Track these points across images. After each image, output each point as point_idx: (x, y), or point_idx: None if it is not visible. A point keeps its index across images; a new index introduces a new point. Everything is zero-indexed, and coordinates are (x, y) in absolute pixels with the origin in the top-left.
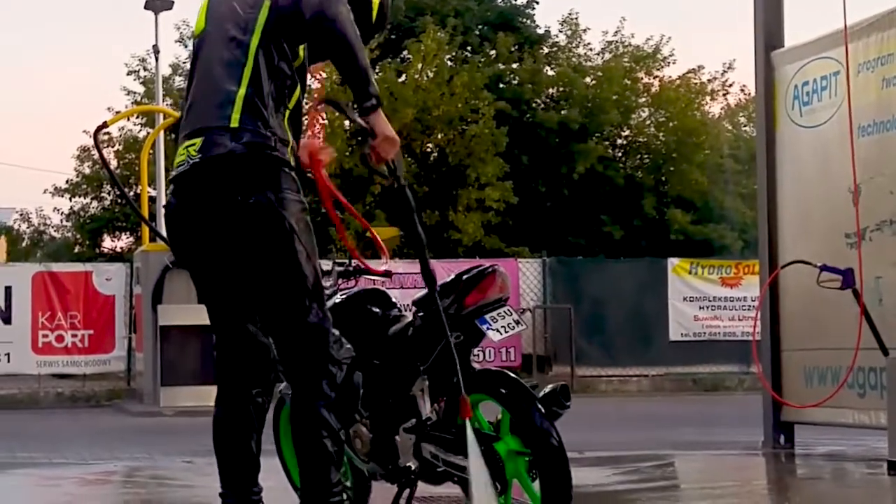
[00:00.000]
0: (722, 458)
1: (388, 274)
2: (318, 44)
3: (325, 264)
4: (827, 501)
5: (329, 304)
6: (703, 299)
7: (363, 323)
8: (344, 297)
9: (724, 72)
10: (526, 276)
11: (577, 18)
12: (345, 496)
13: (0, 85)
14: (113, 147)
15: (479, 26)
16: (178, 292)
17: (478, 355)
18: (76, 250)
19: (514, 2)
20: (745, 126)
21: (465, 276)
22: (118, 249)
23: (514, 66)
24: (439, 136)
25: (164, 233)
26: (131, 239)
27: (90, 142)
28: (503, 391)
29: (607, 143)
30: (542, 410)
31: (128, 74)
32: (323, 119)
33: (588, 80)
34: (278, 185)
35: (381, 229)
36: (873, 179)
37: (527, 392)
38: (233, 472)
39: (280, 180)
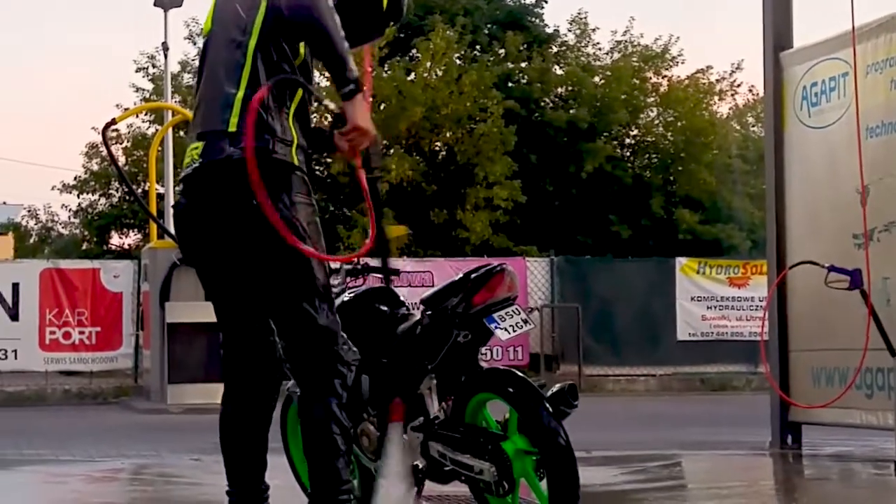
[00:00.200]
0: (729, 458)
1: (396, 272)
2: (298, 32)
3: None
4: (834, 502)
5: (337, 302)
6: (710, 299)
7: (371, 321)
8: (352, 295)
9: (733, 72)
10: (534, 274)
11: (585, 18)
12: (352, 495)
13: (8, 82)
14: (121, 144)
15: (488, 25)
16: (185, 290)
17: (485, 354)
18: (84, 247)
19: (523, 1)
20: (753, 126)
21: (473, 275)
22: (126, 246)
23: (523, 65)
24: (448, 135)
25: (171, 230)
26: (139, 236)
27: (98, 138)
28: (511, 390)
29: (615, 142)
30: (550, 410)
31: (136, 71)
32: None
33: (597, 79)
34: (287, 189)
35: (389, 228)
36: (882, 180)
37: (535, 391)
38: (240, 470)
39: (288, 183)
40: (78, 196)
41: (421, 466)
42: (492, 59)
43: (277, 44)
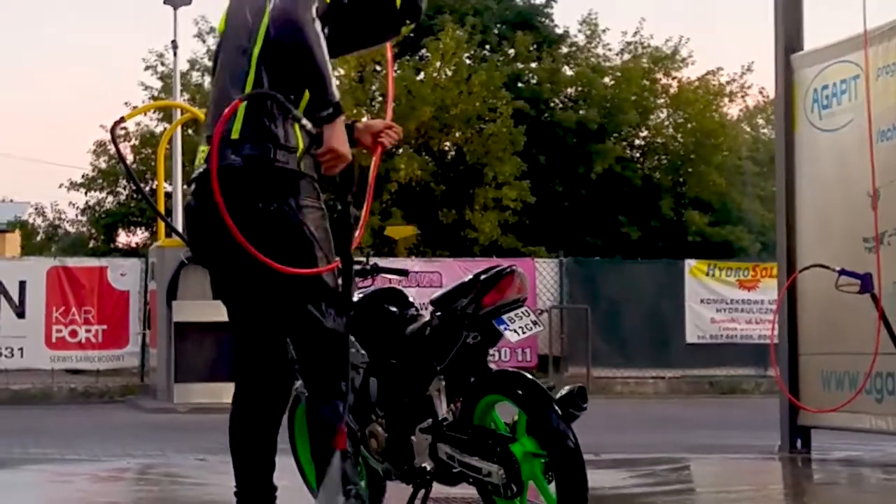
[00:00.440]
0: (738, 461)
1: (404, 273)
2: (283, 52)
3: None
4: None
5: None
6: (720, 301)
7: (380, 322)
8: (361, 296)
9: (743, 74)
10: (543, 276)
11: (596, 19)
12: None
13: (15, 79)
14: (129, 142)
15: (498, 25)
16: (193, 288)
17: (494, 355)
18: (91, 245)
19: (532, 1)
20: (763, 128)
21: (483, 276)
22: (133, 245)
23: (533, 65)
24: (457, 135)
25: (179, 228)
26: (146, 234)
27: (106, 136)
28: (520, 392)
29: (625, 143)
30: (559, 412)
31: (145, 69)
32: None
33: (607, 80)
34: (294, 194)
35: (397, 228)
36: (893, 183)
37: (544, 394)
38: (248, 470)
39: (294, 189)
40: (85, 194)
41: (429, 468)
42: (501, 59)
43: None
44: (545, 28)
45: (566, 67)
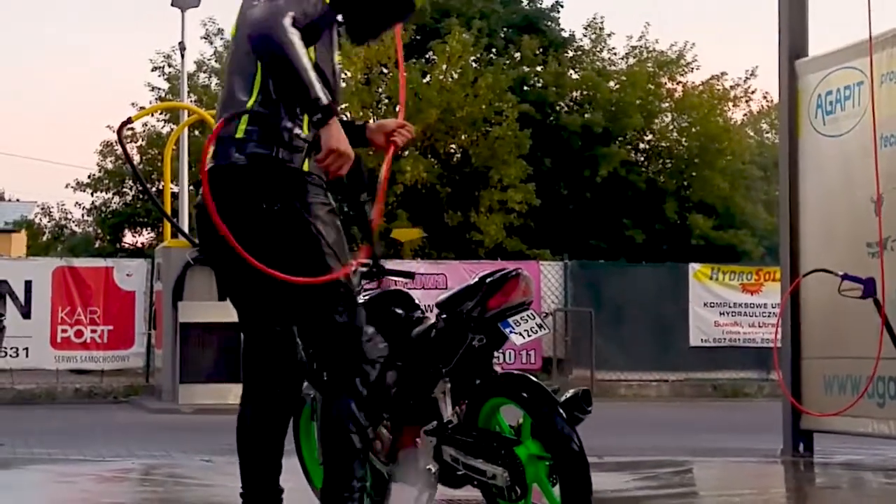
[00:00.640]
0: (740, 465)
1: (410, 275)
2: (261, 61)
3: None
4: None
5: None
6: (723, 305)
7: (386, 324)
8: (367, 298)
9: (747, 78)
10: (547, 278)
11: (601, 23)
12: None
13: (25, 79)
14: (136, 143)
15: (504, 29)
16: (198, 289)
17: (498, 357)
18: (97, 245)
19: (539, 5)
20: (767, 133)
21: (488, 279)
22: (139, 245)
23: (539, 68)
24: (463, 138)
25: (185, 229)
26: (152, 235)
27: (113, 137)
28: (525, 395)
29: (630, 147)
30: (564, 415)
31: (152, 70)
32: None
33: (612, 84)
34: (300, 193)
35: (404, 230)
36: None
37: (549, 397)
38: (255, 472)
39: (300, 188)
40: (92, 194)
41: (434, 470)
42: (507, 62)
43: None
44: (551, 32)
45: (572, 71)
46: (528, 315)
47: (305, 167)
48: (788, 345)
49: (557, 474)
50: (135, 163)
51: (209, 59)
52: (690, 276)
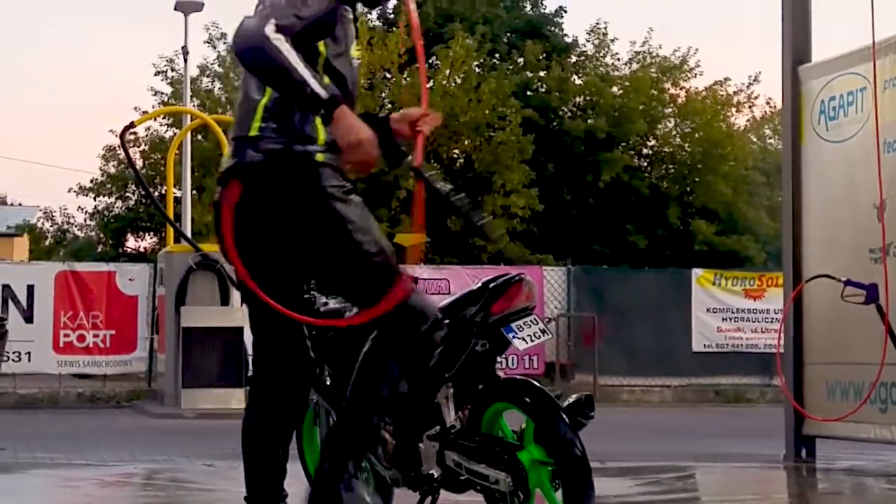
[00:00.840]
0: (743, 470)
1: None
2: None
3: None
4: None
5: (354, 311)
6: (726, 310)
7: None
8: None
9: (750, 84)
10: (550, 284)
11: (605, 28)
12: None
13: (27, 83)
14: (139, 147)
15: (508, 34)
16: (201, 294)
17: (500, 362)
18: (99, 250)
19: (542, 10)
20: (770, 138)
21: (492, 284)
22: (142, 249)
23: (542, 74)
24: (466, 143)
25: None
26: (155, 239)
27: (116, 141)
28: (528, 400)
29: (633, 152)
30: (567, 420)
31: (155, 75)
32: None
33: (615, 89)
34: (314, 182)
35: (406, 235)
36: None
37: (552, 402)
38: (260, 476)
39: (314, 177)
40: (94, 198)
41: (436, 475)
42: (511, 67)
43: (297, 49)
44: (554, 37)
45: (575, 76)
46: (531, 320)
47: (321, 158)
48: (791, 350)
49: (560, 479)
50: (138, 167)
51: (212, 64)
52: (693, 282)
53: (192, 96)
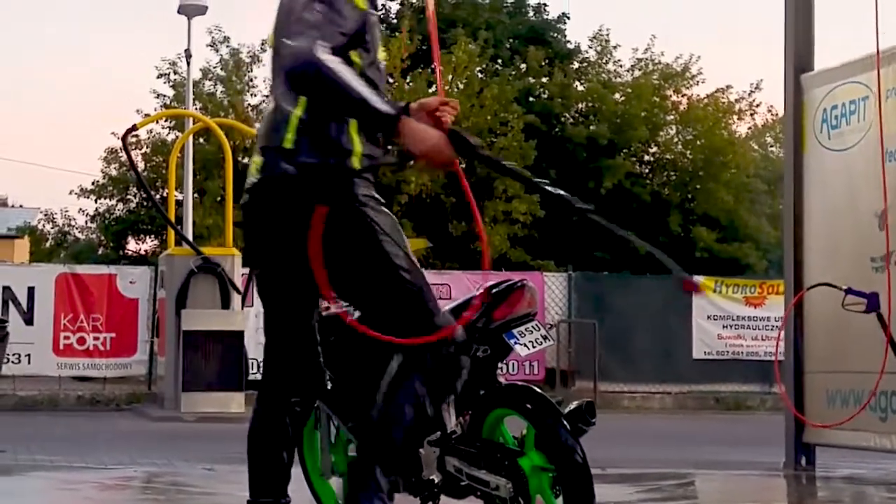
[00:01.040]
0: (743, 477)
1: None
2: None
3: None
4: None
5: (356, 315)
6: (726, 318)
7: None
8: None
9: (752, 92)
10: (551, 290)
11: (607, 35)
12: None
13: (28, 85)
14: (141, 150)
15: (510, 40)
16: (202, 297)
17: (501, 368)
18: (100, 252)
19: (545, 16)
20: (771, 146)
21: (494, 290)
22: (143, 252)
23: (544, 80)
24: None
25: (189, 237)
26: (156, 242)
27: (118, 144)
28: (529, 406)
29: (635, 159)
30: (568, 427)
31: (158, 77)
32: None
33: (617, 96)
34: (348, 192)
35: (409, 241)
36: None
37: (553, 408)
38: (263, 480)
39: (348, 188)
40: (95, 201)
41: (437, 481)
42: (513, 73)
43: None
44: (557, 43)
45: (577, 83)
46: (532, 326)
47: (357, 164)
48: (791, 358)
49: (561, 486)
50: (139, 170)
51: (215, 67)
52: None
53: (194, 100)
